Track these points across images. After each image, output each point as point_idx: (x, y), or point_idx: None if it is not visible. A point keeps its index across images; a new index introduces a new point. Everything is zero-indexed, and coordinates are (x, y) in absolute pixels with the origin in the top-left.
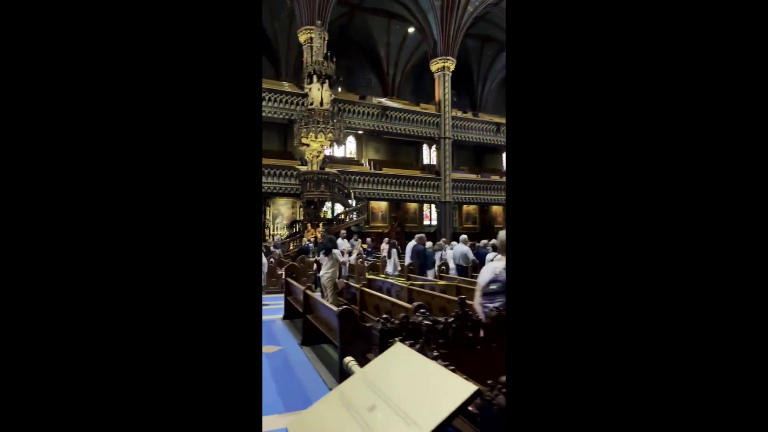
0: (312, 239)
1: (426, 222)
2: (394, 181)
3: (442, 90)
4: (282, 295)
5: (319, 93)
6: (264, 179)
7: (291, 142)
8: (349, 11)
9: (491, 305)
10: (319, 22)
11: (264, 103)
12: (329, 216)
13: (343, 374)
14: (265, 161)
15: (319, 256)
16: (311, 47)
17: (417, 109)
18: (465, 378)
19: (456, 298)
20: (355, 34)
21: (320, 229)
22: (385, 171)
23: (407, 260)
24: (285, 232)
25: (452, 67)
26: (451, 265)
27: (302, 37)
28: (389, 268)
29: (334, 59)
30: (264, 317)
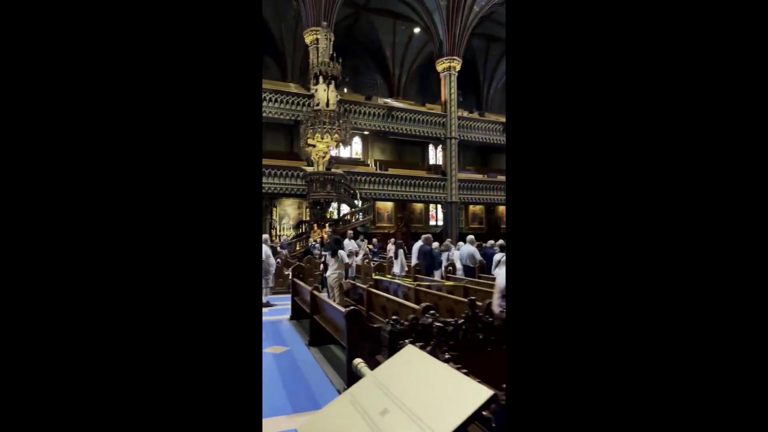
0: (318, 240)
1: (432, 222)
2: (400, 181)
3: (448, 90)
4: (289, 296)
5: (325, 94)
6: (270, 180)
7: (297, 143)
8: (354, 12)
9: None
10: (325, 23)
11: (270, 104)
12: (335, 216)
13: (351, 376)
14: (271, 162)
15: (325, 254)
16: (317, 48)
17: (423, 109)
18: (479, 381)
19: (465, 300)
20: (361, 35)
21: (326, 229)
22: (391, 171)
23: (414, 261)
24: (291, 233)
25: (458, 67)
26: (458, 265)
27: (308, 39)
28: (396, 269)
29: (340, 60)
30: (271, 317)
